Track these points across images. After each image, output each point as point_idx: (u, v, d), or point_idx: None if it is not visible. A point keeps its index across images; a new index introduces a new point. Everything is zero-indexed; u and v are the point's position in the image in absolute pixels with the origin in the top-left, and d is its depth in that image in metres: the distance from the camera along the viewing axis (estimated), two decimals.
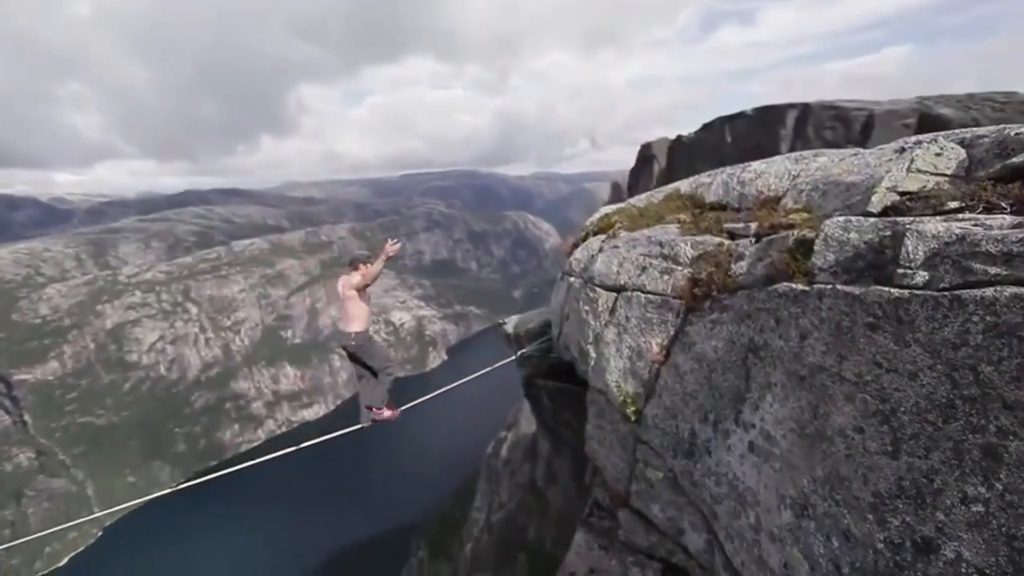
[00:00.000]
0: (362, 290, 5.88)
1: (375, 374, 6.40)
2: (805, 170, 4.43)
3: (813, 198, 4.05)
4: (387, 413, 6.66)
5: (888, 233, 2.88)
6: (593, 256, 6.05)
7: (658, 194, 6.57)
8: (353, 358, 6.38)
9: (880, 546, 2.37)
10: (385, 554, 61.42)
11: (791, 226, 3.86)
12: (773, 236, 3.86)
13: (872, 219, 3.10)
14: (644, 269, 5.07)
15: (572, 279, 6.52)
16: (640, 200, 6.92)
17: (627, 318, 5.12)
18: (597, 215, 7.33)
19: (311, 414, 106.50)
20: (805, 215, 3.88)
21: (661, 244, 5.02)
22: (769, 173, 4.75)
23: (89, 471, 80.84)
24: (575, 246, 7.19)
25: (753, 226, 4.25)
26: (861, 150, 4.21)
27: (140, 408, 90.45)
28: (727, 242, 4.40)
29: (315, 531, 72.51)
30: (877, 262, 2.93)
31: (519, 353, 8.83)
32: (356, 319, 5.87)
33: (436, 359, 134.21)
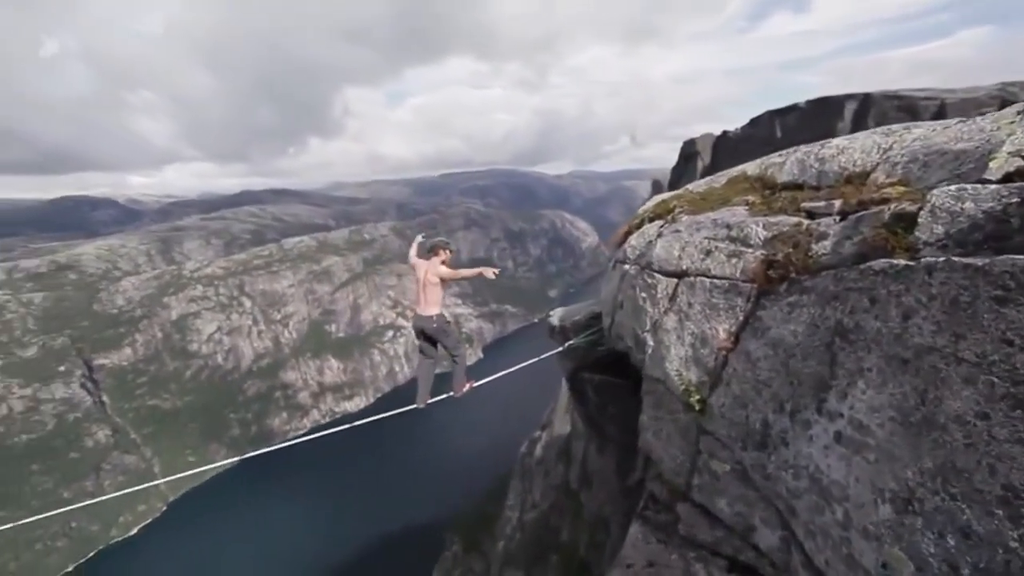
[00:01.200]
0: (444, 281, 6.18)
1: (452, 355, 6.81)
2: (899, 142, 4.04)
3: (911, 170, 3.68)
4: (467, 387, 7.13)
5: (1015, 200, 2.56)
6: (651, 242, 5.83)
7: (720, 178, 6.25)
8: (428, 339, 6.76)
9: (1014, 545, 2.10)
10: (420, 545, 62.88)
11: (884, 200, 3.53)
12: (863, 212, 3.55)
13: (992, 186, 2.77)
14: (709, 253, 4.82)
15: (627, 267, 6.33)
16: (699, 185, 6.61)
17: (689, 304, 4.90)
18: (652, 202, 7.08)
19: (352, 406, 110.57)
20: (902, 188, 3.54)
21: (728, 227, 4.76)
22: (854, 148, 4.37)
23: (156, 449, 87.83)
24: (628, 234, 6.99)
25: (837, 203, 3.93)
26: (966, 118, 3.79)
27: (200, 394, 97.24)
28: (806, 222, 4.10)
29: (354, 518, 75.29)
30: (999, 232, 2.61)
31: (567, 344, 8.69)
32: (434, 303, 6.23)
33: (472, 357, 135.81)
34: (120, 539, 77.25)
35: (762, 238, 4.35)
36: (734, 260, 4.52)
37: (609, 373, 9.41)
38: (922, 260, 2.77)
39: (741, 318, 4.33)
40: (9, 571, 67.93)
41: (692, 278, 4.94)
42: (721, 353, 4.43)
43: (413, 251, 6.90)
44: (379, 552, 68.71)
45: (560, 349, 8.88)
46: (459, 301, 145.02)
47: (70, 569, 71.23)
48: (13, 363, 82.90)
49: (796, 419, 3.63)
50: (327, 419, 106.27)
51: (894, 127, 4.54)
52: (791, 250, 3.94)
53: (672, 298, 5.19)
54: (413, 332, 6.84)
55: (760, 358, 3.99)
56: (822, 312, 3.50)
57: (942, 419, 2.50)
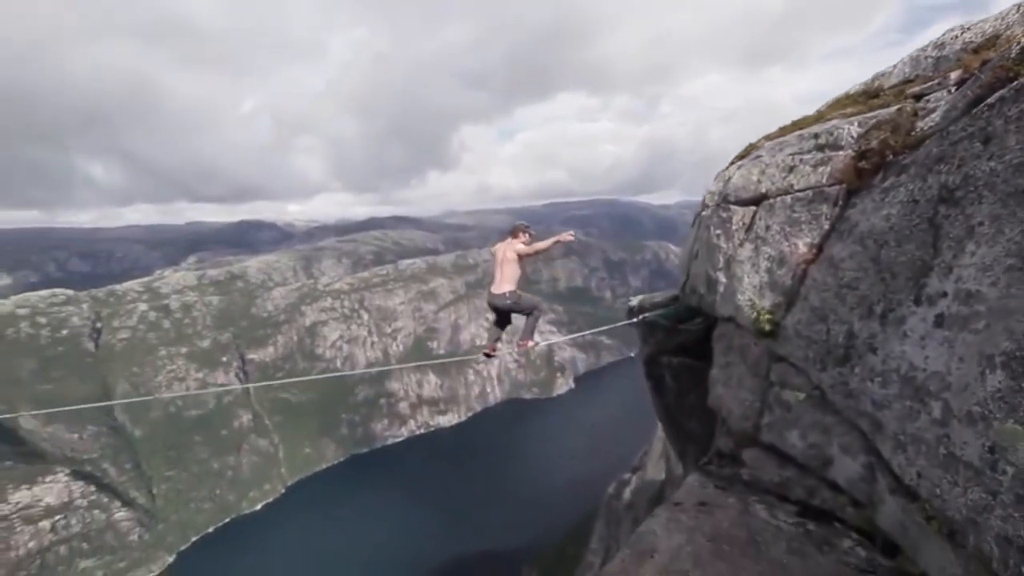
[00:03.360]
0: (522, 257, 6.15)
1: (526, 315, 6.65)
2: None
3: None
4: (530, 343, 7.01)
5: None
6: (729, 178, 5.40)
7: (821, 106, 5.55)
8: (502, 315, 6.79)
9: None
10: (495, 570, 61.60)
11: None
12: (987, 63, 2.91)
13: None
14: (792, 169, 4.31)
15: (704, 212, 5.89)
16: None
17: (767, 228, 4.39)
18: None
19: (445, 421, 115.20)
20: None
21: (816, 136, 4.22)
22: (986, 20, 3.60)
23: (282, 437, 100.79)
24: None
25: (954, 75, 3.28)
26: None
27: (319, 393, 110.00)
28: (911, 105, 3.48)
29: (437, 530, 76.90)
30: None
31: (640, 316, 8.23)
32: (509, 280, 6.15)
33: (563, 386, 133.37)
34: (248, 511, 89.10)
35: (855, 135, 3.78)
36: (821, 168, 3.98)
37: (689, 356, 8.63)
38: None
39: (826, 227, 3.76)
40: (171, 521, 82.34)
41: (772, 200, 4.44)
42: (800, 268, 3.87)
43: (496, 245, 7.01)
44: (455, 569, 68.86)
45: (634, 320, 8.41)
46: (554, 329, 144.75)
47: (211, 530, 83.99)
48: (193, 351, 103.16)
49: (888, 319, 3.00)
50: (422, 430, 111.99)
51: None
52: (888, 134, 3.36)
53: (748, 228, 4.70)
54: (488, 308, 6.75)
55: (845, 258, 3.40)
56: (924, 184, 2.90)
57: None
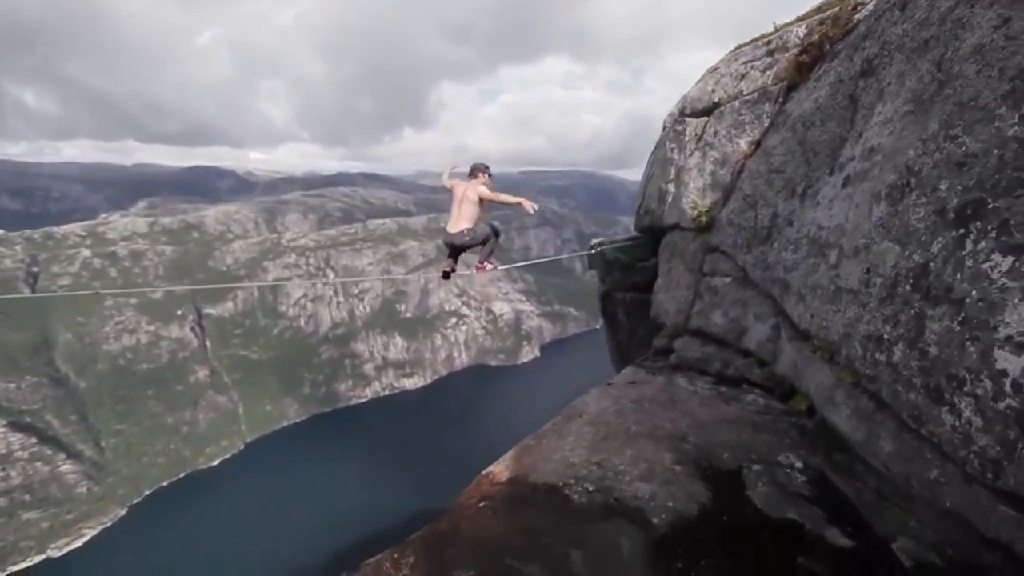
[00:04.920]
0: (483, 201, 6.07)
1: (482, 246, 6.60)
2: None
3: None
4: (488, 266, 6.89)
5: None
6: (688, 95, 5.51)
7: None
8: (456, 252, 6.64)
9: (1013, 131, 1.71)
10: None
11: None
12: None
13: None
14: (744, 76, 4.47)
15: (662, 134, 6.03)
16: None
17: (715, 133, 4.57)
18: None
19: (411, 383, 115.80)
20: None
21: (769, 42, 4.37)
22: None
23: (242, 394, 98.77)
24: None
25: None
26: None
27: (282, 351, 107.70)
28: (854, 1, 3.64)
29: (399, 489, 78.63)
30: None
31: (595, 243, 8.47)
32: (466, 218, 6.04)
33: (529, 354, 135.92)
34: (205, 466, 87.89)
35: (801, 36, 3.94)
36: (768, 72, 4.15)
37: (641, 292, 9.03)
38: None
39: (766, 124, 3.96)
40: (122, 475, 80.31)
41: (723, 107, 4.61)
42: (739, 164, 4.09)
43: (446, 175, 6.79)
44: (414, 529, 71.02)
45: (592, 251, 8.67)
46: (523, 298, 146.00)
47: (165, 484, 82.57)
48: (144, 302, 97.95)
49: (806, 196, 3.25)
50: (386, 392, 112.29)
51: None
52: (829, 27, 3.53)
53: (699, 138, 4.87)
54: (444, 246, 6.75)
55: (777, 145, 3.62)
56: (850, 63, 3.10)
57: (957, 68, 2.10)
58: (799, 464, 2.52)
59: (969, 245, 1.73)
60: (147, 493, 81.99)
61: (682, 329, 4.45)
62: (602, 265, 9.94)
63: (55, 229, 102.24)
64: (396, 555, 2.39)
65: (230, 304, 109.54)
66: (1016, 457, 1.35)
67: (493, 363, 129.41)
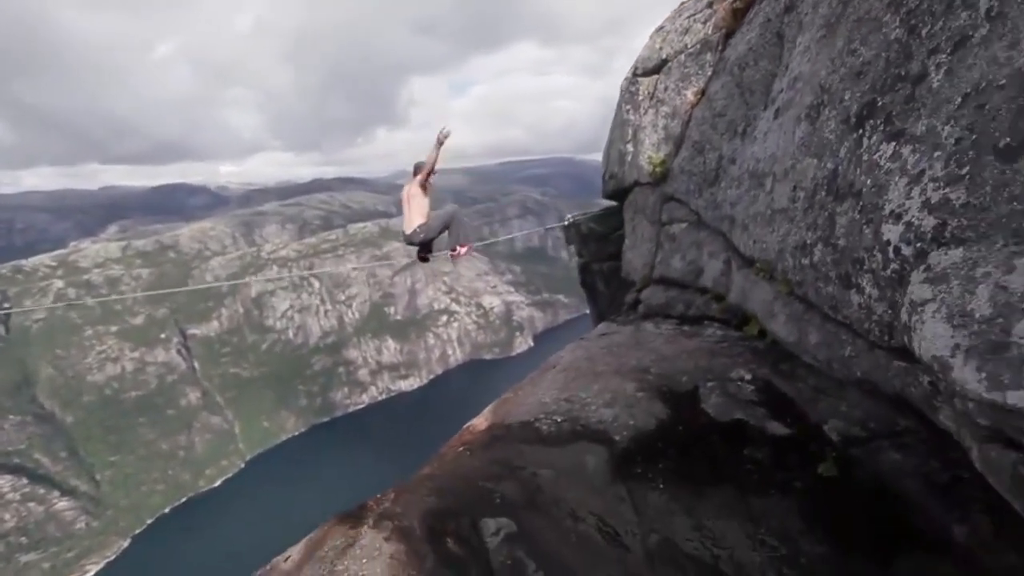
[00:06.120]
0: (424, 186, 6.03)
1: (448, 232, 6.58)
2: None
3: None
4: (462, 250, 6.87)
5: None
6: (639, 55, 5.65)
7: None
8: (422, 247, 6.64)
9: (895, 34, 1.88)
10: None
11: None
12: None
13: None
14: (687, 30, 4.61)
15: (620, 96, 6.17)
16: None
17: (665, 88, 4.72)
18: None
19: (407, 385, 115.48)
20: None
21: None
22: None
23: (236, 413, 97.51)
24: None
25: None
26: None
27: (273, 365, 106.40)
28: None
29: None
30: None
31: (568, 218, 8.63)
32: (418, 214, 6.06)
33: (523, 344, 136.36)
34: (206, 488, 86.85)
35: None
36: (708, 23, 4.30)
37: (617, 260, 9.23)
38: None
39: (709, 72, 4.12)
40: (121, 507, 78.97)
41: (671, 63, 4.75)
42: (687, 114, 4.25)
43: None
44: None
45: (566, 223, 8.83)
46: (511, 289, 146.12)
47: (167, 511, 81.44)
48: (125, 329, 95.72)
49: (747, 135, 3.43)
50: (383, 396, 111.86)
51: None
52: None
53: (652, 95, 5.02)
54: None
55: (718, 90, 3.79)
56: (775, 3, 3.27)
57: None
58: (748, 376, 2.71)
59: (865, 142, 1.90)
60: (150, 522, 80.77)
61: (648, 280, 4.63)
62: (578, 239, 10.11)
63: (23, 262, 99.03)
64: (379, 495, 2.52)
65: (215, 323, 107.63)
66: (898, 314, 1.52)
67: (488, 357, 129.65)
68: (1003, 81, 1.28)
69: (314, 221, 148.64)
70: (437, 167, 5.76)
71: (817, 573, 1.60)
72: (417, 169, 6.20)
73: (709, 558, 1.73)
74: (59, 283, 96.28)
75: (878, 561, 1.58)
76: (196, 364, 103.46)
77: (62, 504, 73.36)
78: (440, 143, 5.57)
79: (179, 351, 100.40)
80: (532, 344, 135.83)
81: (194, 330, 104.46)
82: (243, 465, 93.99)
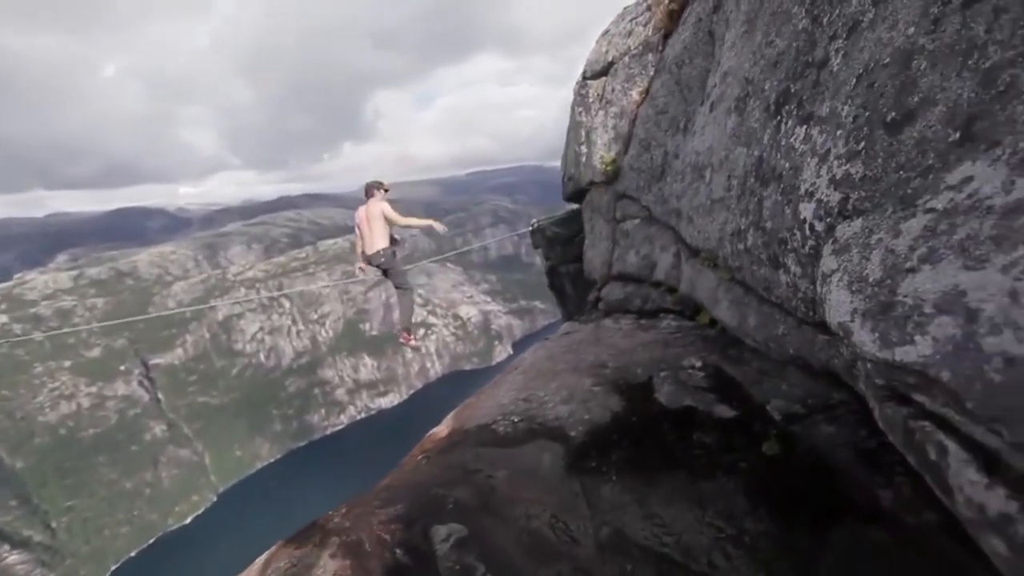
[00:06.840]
0: (388, 221, 5.83)
1: (397, 288, 6.50)
2: None
3: None
4: (413, 343, 6.83)
5: None
6: (588, 59, 5.77)
7: None
8: (385, 274, 6.49)
9: (802, 24, 1.97)
10: None
11: None
12: None
13: None
14: (630, 33, 4.76)
15: (572, 100, 6.28)
16: None
17: (612, 90, 4.84)
18: None
19: (386, 402, 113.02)
20: None
21: None
22: None
23: (206, 443, 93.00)
24: None
25: None
26: None
27: (245, 391, 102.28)
28: None
29: None
30: None
31: (533, 223, 8.69)
32: (380, 237, 5.87)
33: (502, 352, 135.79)
34: (176, 527, 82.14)
35: None
36: (648, 25, 4.44)
37: (582, 262, 9.34)
38: None
39: (652, 72, 4.24)
40: (80, 555, 73.67)
41: (616, 64, 4.87)
42: (633, 114, 4.35)
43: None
44: None
45: (532, 227, 8.89)
46: (488, 299, 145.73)
47: (133, 554, 76.47)
48: (80, 363, 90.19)
49: (688, 130, 3.53)
50: (363, 415, 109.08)
51: None
52: None
53: (601, 97, 5.13)
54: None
55: (659, 89, 3.90)
56: (705, 3, 3.40)
57: None
58: (699, 363, 2.76)
59: (783, 127, 1.98)
60: (114, 567, 75.64)
61: (607, 277, 4.69)
62: (544, 243, 10.17)
63: None
64: (331, 512, 2.42)
65: (179, 351, 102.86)
66: (816, 287, 1.59)
67: (467, 367, 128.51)
68: (887, 60, 1.36)
69: (282, 239, 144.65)
70: (413, 226, 5.98)
71: (760, 550, 1.61)
72: (369, 190, 6.00)
73: (658, 545, 1.73)
74: (3, 318, 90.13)
75: (815, 534, 1.61)
76: (160, 395, 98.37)
77: (13, 558, 67.89)
78: (429, 227, 5.67)
79: (141, 383, 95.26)
80: (511, 352, 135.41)
81: (157, 359, 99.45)
82: (215, 498, 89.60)
